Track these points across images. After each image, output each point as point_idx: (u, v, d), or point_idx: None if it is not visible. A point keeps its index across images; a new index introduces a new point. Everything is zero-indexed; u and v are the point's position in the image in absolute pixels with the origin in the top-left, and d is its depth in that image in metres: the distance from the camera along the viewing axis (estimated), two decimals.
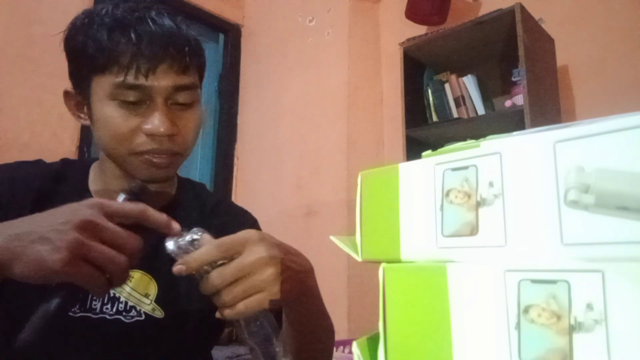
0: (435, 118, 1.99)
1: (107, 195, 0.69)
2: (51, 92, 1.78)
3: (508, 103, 1.77)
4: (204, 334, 0.71)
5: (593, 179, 0.22)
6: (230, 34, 2.69)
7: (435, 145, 1.95)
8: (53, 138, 1.83)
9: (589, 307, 0.21)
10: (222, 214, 0.77)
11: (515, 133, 0.28)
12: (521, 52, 1.60)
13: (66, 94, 0.66)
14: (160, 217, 0.48)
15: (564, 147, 0.23)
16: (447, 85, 1.97)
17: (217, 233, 0.50)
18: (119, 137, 0.60)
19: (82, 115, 0.65)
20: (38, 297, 0.45)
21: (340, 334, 0.76)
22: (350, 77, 2.17)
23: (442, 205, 0.28)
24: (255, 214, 0.83)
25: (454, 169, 0.28)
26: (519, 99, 1.67)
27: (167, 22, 0.61)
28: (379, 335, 0.29)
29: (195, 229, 0.49)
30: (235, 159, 2.60)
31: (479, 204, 0.26)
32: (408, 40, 1.99)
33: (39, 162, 0.71)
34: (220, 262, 0.48)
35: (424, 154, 0.31)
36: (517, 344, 0.23)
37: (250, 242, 0.49)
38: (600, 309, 0.21)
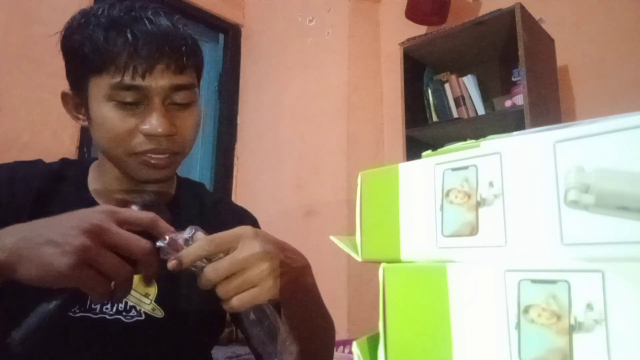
0: (435, 118, 1.99)
1: (107, 195, 0.69)
2: (51, 92, 1.78)
3: (508, 103, 1.77)
4: (204, 333, 0.71)
5: (593, 179, 0.22)
6: (230, 34, 2.69)
7: (435, 145, 1.95)
8: (53, 138, 1.84)
9: (589, 307, 0.21)
10: (221, 213, 0.77)
11: (515, 133, 0.28)
12: (521, 52, 1.60)
13: (64, 95, 0.66)
14: (169, 229, 0.48)
15: (564, 147, 0.23)
16: (447, 85, 1.97)
17: (216, 232, 0.50)
18: (117, 138, 0.60)
19: (80, 116, 0.65)
20: (38, 297, 0.45)
21: (340, 334, 0.76)
22: (350, 77, 2.18)
23: (442, 205, 0.28)
24: (255, 214, 0.83)
25: (454, 169, 0.28)
26: (519, 99, 1.67)
27: (164, 21, 0.61)
28: (379, 335, 0.29)
29: (188, 228, 0.49)
30: (235, 159, 2.60)
31: (479, 204, 0.26)
32: (408, 40, 2.00)
33: (38, 162, 0.71)
34: (218, 258, 0.48)
35: (424, 154, 0.31)
36: (517, 344, 0.23)
37: (245, 237, 0.49)
38: (600, 309, 0.21)
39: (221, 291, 0.47)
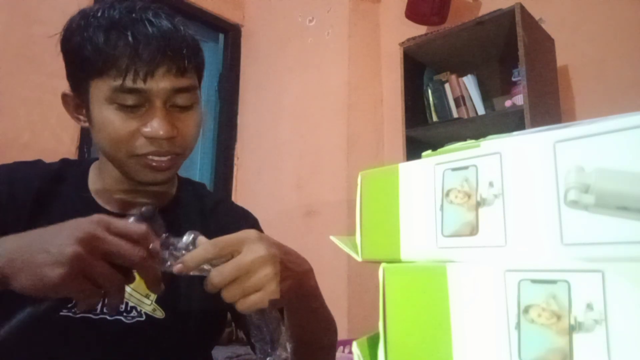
0: (435, 118, 1.99)
1: (107, 195, 0.69)
2: (51, 92, 1.78)
3: (508, 103, 1.77)
4: (205, 334, 0.71)
5: (593, 179, 0.22)
6: (230, 34, 2.69)
7: (435, 145, 1.95)
8: (53, 138, 1.83)
9: (589, 307, 0.21)
10: (222, 214, 0.77)
11: (515, 133, 0.28)
12: (521, 52, 1.60)
13: (64, 96, 0.65)
14: (156, 248, 0.48)
15: (564, 147, 0.23)
16: (447, 85, 1.97)
17: (217, 233, 0.50)
18: (118, 141, 0.60)
19: (81, 117, 0.65)
20: (31, 298, 0.45)
21: (340, 334, 0.76)
22: (350, 77, 2.17)
23: (442, 205, 0.28)
24: (255, 214, 0.83)
25: (454, 169, 0.28)
26: (519, 99, 1.67)
27: (165, 23, 0.60)
28: (379, 335, 0.29)
29: (187, 233, 0.49)
30: (235, 159, 2.59)
31: (479, 204, 0.26)
32: (408, 40, 1.99)
33: (38, 162, 0.70)
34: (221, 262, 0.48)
35: (424, 154, 0.31)
36: (517, 344, 0.23)
37: (249, 241, 0.49)
38: (600, 309, 0.21)
39: (226, 295, 0.47)
